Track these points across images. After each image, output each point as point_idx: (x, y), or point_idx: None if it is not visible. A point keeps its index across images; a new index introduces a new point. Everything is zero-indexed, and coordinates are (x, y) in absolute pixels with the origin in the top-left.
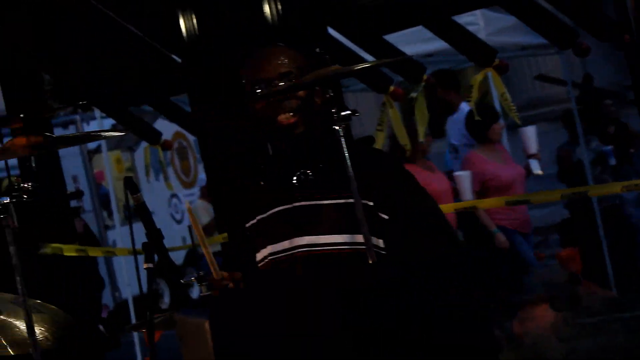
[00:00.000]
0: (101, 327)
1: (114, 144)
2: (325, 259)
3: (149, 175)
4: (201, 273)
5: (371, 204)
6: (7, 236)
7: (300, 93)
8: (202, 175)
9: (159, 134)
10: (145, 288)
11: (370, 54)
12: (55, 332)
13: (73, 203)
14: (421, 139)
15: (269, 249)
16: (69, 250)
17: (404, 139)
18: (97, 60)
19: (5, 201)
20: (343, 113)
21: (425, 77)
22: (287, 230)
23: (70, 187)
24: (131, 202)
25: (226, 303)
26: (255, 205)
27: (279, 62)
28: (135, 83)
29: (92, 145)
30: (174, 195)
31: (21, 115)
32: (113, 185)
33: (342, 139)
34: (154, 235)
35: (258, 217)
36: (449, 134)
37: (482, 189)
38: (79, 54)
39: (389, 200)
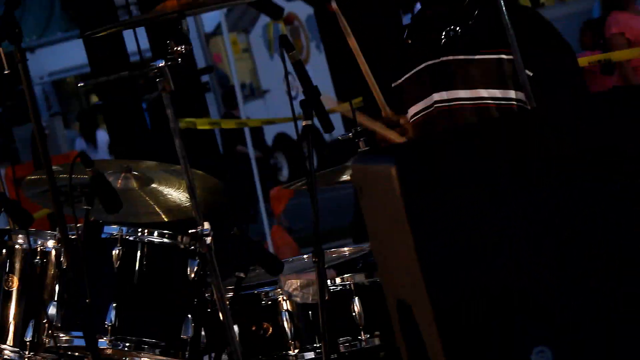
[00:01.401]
0: None
1: (230, 26)
2: (471, 113)
3: (272, 51)
4: (358, 128)
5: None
6: (164, 100)
7: None
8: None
9: (281, 9)
10: None
11: None
12: (206, 196)
13: None
14: None
15: (414, 108)
16: (202, 124)
17: None
18: None
19: (160, 64)
20: None
21: None
22: (432, 86)
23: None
24: (288, 59)
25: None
26: (402, 65)
27: None
28: None
29: (209, 27)
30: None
31: None
32: (235, 66)
33: None
34: (311, 92)
35: (405, 76)
36: None
37: None
38: None
39: (533, 57)
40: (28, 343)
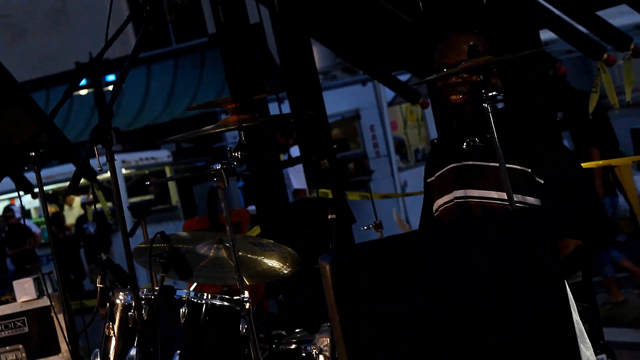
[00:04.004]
0: None
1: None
2: (481, 209)
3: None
4: (378, 221)
5: (529, 170)
6: (219, 194)
7: (473, 77)
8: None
9: (418, 94)
10: None
11: (583, 26)
12: (284, 266)
13: None
14: (628, 99)
15: (440, 201)
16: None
17: (613, 99)
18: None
19: (217, 167)
20: (490, 94)
21: (632, 46)
22: (454, 184)
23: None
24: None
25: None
26: (435, 164)
27: (461, 50)
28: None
29: (389, 98)
30: None
31: (232, 98)
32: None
33: (490, 116)
34: (338, 195)
35: (436, 174)
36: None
37: None
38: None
39: (545, 167)
40: None
